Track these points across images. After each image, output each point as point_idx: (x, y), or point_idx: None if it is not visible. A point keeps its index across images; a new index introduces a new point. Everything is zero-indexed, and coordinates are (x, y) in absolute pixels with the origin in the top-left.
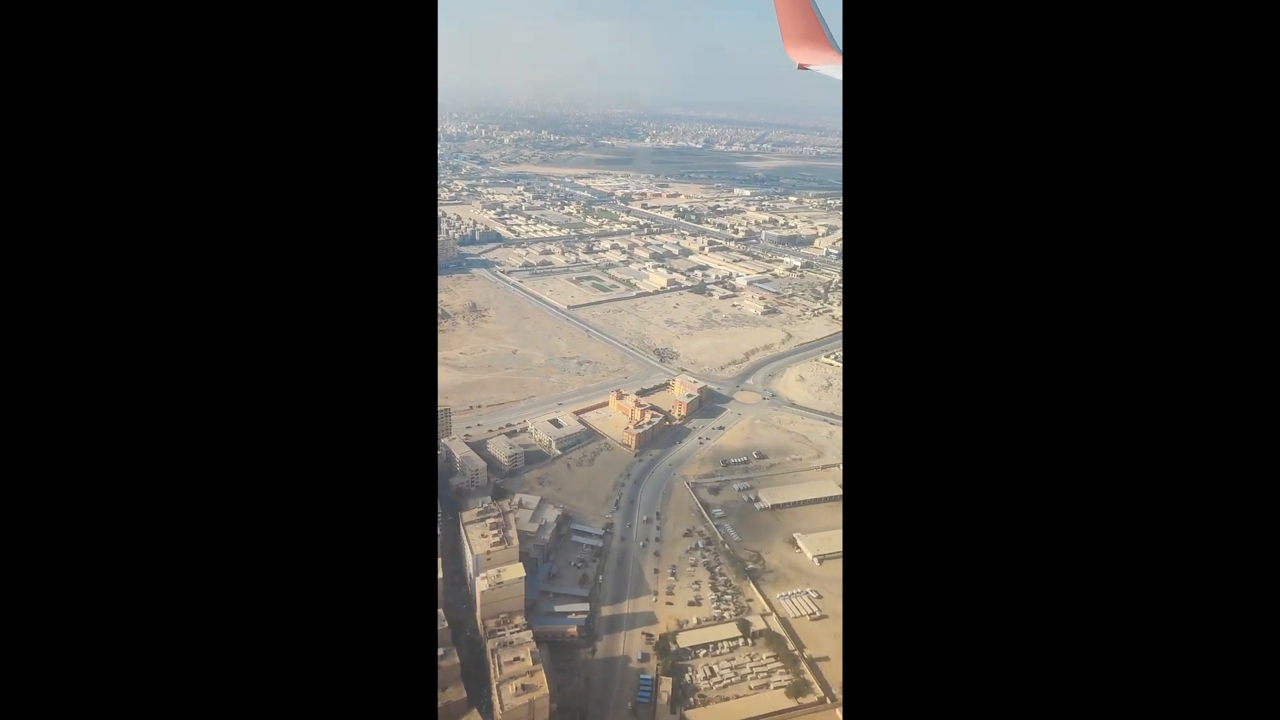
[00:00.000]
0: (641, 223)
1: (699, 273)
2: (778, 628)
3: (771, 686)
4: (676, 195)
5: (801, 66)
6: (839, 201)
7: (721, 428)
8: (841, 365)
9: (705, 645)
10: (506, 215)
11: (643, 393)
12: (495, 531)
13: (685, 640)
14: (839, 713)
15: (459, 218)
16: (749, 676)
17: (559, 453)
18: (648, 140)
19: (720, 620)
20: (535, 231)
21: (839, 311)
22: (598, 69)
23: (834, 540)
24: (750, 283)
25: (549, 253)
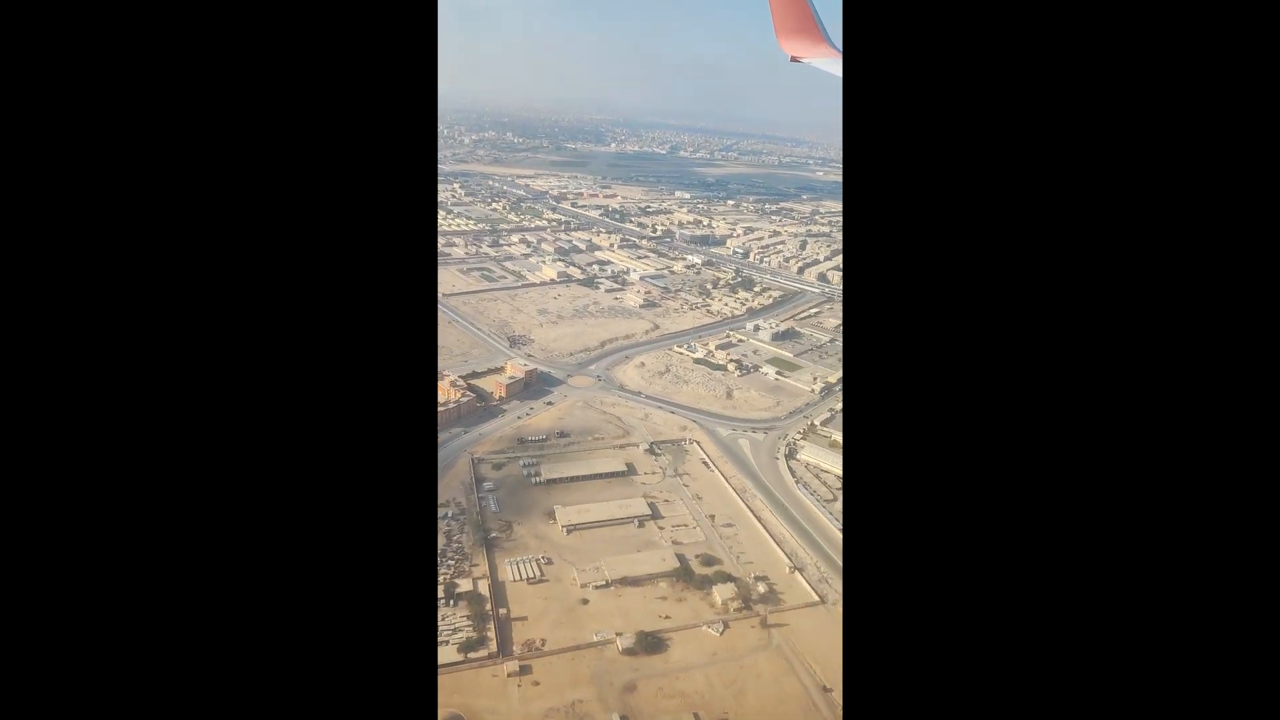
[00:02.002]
0: (563, 219)
1: (597, 267)
2: (485, 590)
3: (450, 643)
4: (613, 196)
5: (794, 59)
6: (775, 206)
7: (551, 403)
8: (690, 354)
9: None
10: None
11: (473, 375)
12: None
13: None
14: (506, 666)
15: None
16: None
17: None
18: (612, 145)
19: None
20: (452, 225)
21: (716, 306)
22: (582, 78)
23: (590, 512)
24: (643, 277)
25: (452, 244)
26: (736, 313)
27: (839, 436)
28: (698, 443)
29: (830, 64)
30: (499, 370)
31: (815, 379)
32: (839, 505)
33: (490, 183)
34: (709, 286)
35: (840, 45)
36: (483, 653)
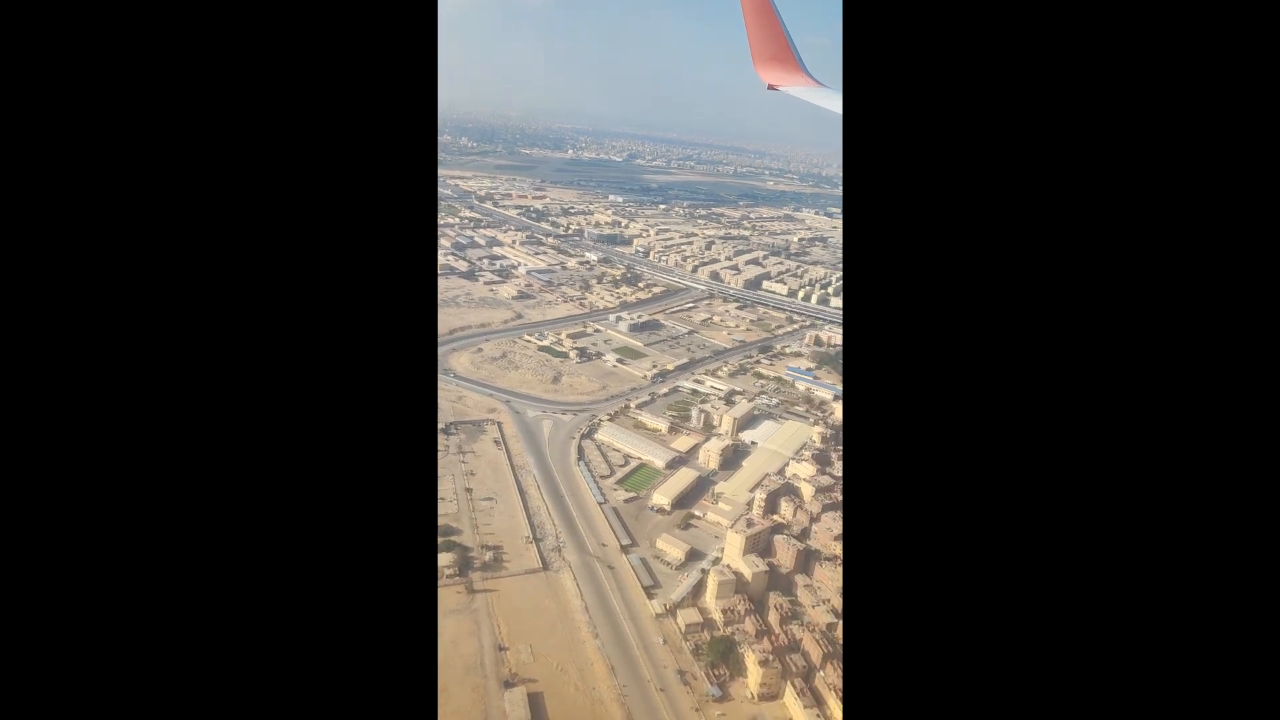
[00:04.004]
0: (478, 218)
1: (486, 261)
2: None
3: None
4: (543, 197)
5: (771, 87)
6: (706, 211)
7: None
8: (536, 342)
9: None
10: None
11: None
12: None
13: None
14: None
15: None
16: None
17: None
18: (569, 152)
19: None
20: None
21: (592, 299)
22: (559, 88)
23: None
24: (529, 271)
25: None
26: (610, 306)
27: (646, 418)
28: (499, 423)
29: (806, 92)
30: None
31: (654, 366)
32: (612, 480)
33: None
34: (593, 281)
35: (814, 74)
36: None
